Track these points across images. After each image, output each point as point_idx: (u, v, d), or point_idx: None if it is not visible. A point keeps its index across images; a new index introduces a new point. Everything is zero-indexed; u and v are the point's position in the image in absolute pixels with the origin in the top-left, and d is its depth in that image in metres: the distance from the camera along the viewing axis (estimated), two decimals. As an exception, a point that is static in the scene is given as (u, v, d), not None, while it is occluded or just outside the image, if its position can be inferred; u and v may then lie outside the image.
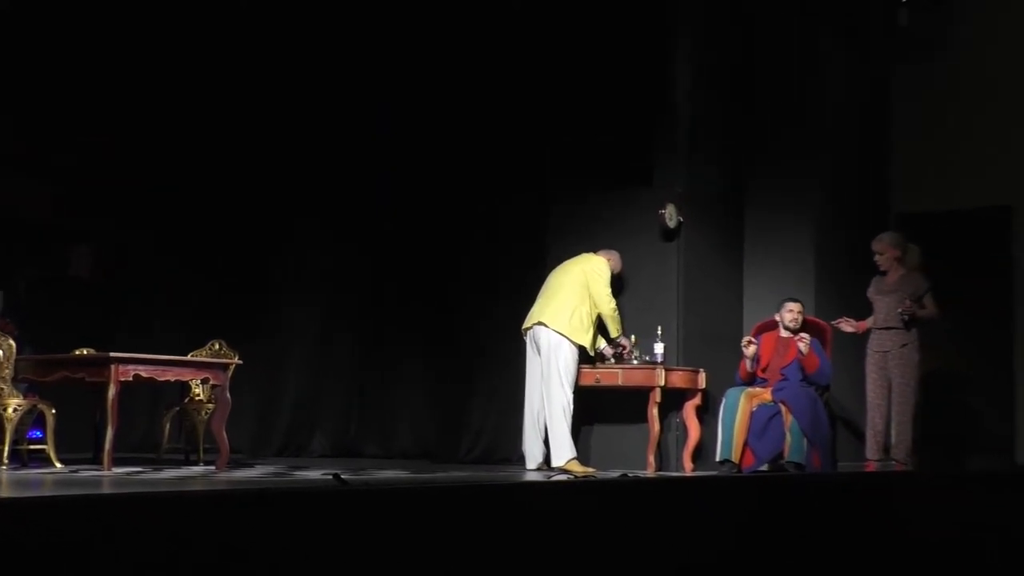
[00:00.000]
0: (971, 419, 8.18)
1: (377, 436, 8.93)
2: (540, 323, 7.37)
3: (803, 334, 7.23)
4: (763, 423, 7.03)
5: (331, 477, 5.18)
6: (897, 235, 7.55)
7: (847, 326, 7.47)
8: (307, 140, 9.19)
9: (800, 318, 7.38)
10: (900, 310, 7.20)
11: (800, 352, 7.19)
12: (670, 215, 7.71)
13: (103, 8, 8.43)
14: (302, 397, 9.05)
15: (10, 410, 6.77)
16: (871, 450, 7.32)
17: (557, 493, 4.63)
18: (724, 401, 7.24)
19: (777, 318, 7.47)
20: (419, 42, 8.77)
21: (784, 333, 7.40)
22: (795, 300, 7.45)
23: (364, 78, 8.98)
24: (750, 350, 7.31)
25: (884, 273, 7.43)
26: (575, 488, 4.90)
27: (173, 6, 8.68)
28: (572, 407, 7.27)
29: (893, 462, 7.22)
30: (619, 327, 7.56)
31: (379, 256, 9.17)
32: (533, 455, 7.41)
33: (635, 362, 7.55)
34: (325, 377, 9.10)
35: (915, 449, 7.28)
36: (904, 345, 7.29)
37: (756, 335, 7.56)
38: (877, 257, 7.43)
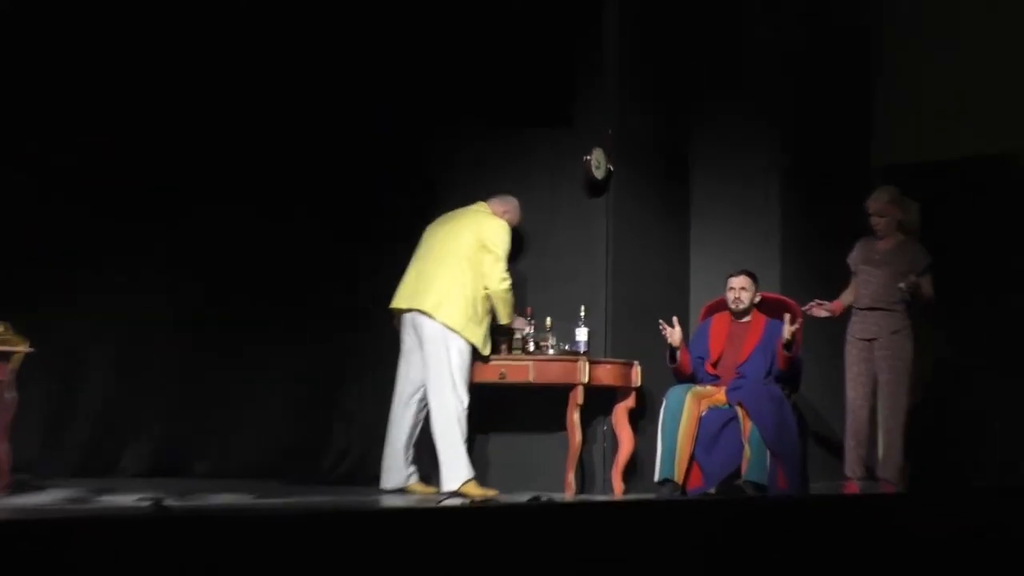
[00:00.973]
0: (975, 426, 8.32)
1: (211, 449, 8.88)
2: (421, 311, 7.33)
3: (789, 315, 7.28)
4: (714, 432, 7.11)
5: (149, 503, 5.07)
6: (897, 190, 7.58)
7: (820, 310, 7.52)
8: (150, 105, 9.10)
9: (749, 296, 7.43)
10: (903, 285, 7.21)
11: (784, 337, 7.19)
12: (597, 162, 7.78)
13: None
14: (110, 399, 8.86)
15: None
16: (851, 467, 7.35)
17: (449, 522, 4.46)
18: (665, 403, 7.27)
19: (727, 296, 7.59)
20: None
21: (733, 316, 7.47)
22: (743, 273, 7.53)
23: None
24: (674, 336, 7.35)
25: (878, 237, 7.49)
26: (472, 516, 4.75)
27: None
28: (467, 416, 7.27)
29: (879, 481, 7.25)
30: (510, 313, 7.55)
31: (207, 227, 9.06)
32: (395, 471, 7.40)
33: (551, 352, 7.54)
34: (141, 374, 8.92)
35: (907, 465, 7.31)
36: (896, 332, 7.31)
37: (706, 317, 7.65)
38: (875, 219, 7.47)
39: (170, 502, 5.05)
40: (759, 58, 8.50)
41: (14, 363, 7.03)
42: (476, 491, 7.03)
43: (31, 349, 7.20)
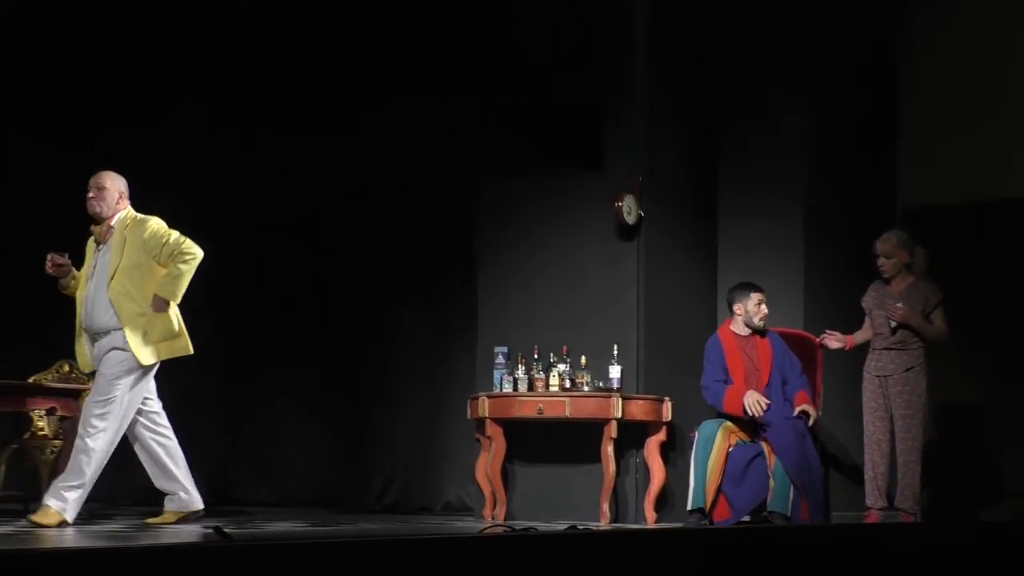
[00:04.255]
0: (990, 459, 8.24)
1: (265, 479, 8.97)
2: None
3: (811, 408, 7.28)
4: (741, 467, 7.11)
5: (211, 530, 5.17)
6: (906, 235, 7.63)
7: (833, 341, 7.57)
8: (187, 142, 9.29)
9: (765, 312, 7.39)
10: (895, 319, 7.31)
11: (810, 415, 7.23)
12: (628, 209, 7.76)
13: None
14: (186, 433, 8.55)
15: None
16: (871, 497, 7.38)
17: (492, 549, 4.52)
18: (697, 436, 7.26)
19: (738, 312, 7.43)
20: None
21: (745, 335, 7.40)
22: (756, 289, 7.43)
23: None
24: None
25: (887, 280, 7.53)
26: (514, 543, 4.70)
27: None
28: None
29: (898, 512, 7.27)
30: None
31: (256, 263, 9.26)
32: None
33: (586, 389, 7.57)
34: (194, 408, 8.94)
35: (924, 496, 7.36)
36: (909, 369, 7.37)
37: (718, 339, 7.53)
38: (882, 261, 7.52)
39: (230, 530, 5.01)
40: (785, 100, 8.33)
41: (81, 401, 7.18)
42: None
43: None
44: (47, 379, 7.61)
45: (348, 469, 8.62)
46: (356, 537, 5.12)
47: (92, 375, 6.94)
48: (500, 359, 7.84)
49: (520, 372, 7.76)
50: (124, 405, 6.70)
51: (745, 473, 7.07)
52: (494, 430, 7.65)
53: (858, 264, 7.92)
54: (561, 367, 7.70)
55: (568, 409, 7.50)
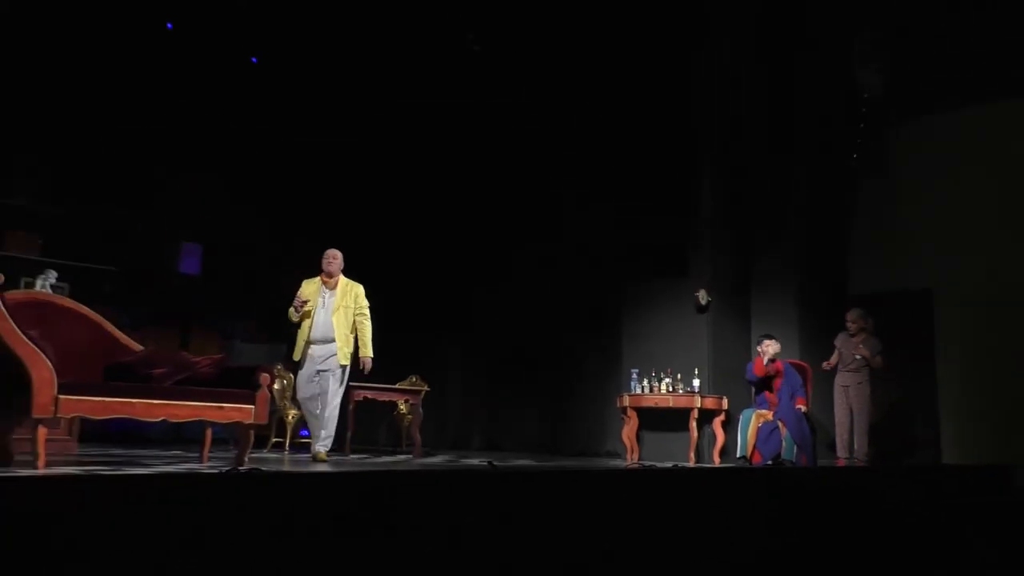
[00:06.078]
0: (907, 430, 7.94)
1: (511, 435, 8.87)
2: None
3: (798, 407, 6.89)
4: (767, 434, 6.90)
5: (486, 464, 5.21)
6: (862, 310, 7.33)
7: (825, 366, 7.25)
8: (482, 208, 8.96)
9: (775, 351, 6.99)
10: (858, 356, 7.07)
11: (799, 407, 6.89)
12: (702, 296, 7.68)
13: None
14: (465, 410, 9.05)
15: (290, 416, 7.25)
16: (841, 451, 7.22)
17: (631, 477, 4.53)
18: (740, 418, 7.07)
19: (760, 351, 7.05)
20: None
21: (767, 364, 7.10)
22: (771, 336, 7.06)
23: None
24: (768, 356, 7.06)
25: (851, 333, 7.27)
26: (646, 473, 4.77)
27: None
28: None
29: (856, 459, 7.10)
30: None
31: (498, 308, 8.95)
32: None
33: (680, 391, 7.53)
34: (477, 398, 9.05)
35: (870, 451, 7.15)
36: (860, 383, 7.19)
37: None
38: (849, 324, 7.24)
39: (496, 463, 5.13)
40: (788, 230, 7.87)
41: (421, 395, 7.38)
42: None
43: (428, 388, 7.60)
44: (405, 385, 7.90)
45: (557, 432, 8.51)
46: (564, 468, 5.13)
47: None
48: (634, 375, 7.80)
49: (645, 382, 7.72)
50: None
51: (768, 437, 6.89)
52: (631, 412, 7.60)
53: (828, 325, 7.58)
54: (667, 379, 7.64)
55: (671, 402, 7.44)
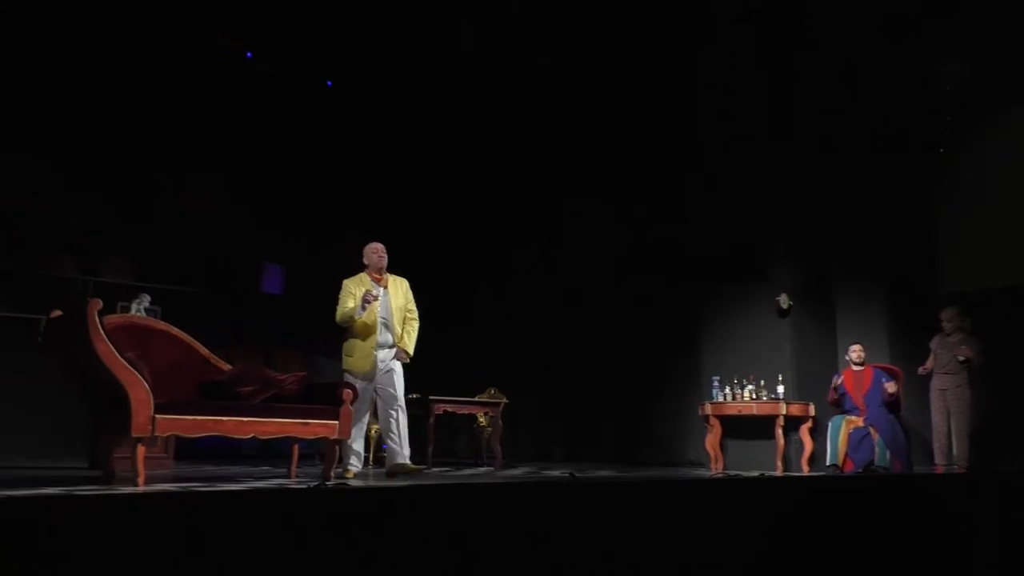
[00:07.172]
0: (1009, 435, 7.52)
1: (591, 446, 8.86)
2: None
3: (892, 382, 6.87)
4: (858, 440, 6.79)
5: (567, 474, 5.19)
6: (957, 308, 7.11)
7: (921, 370, 7.04)
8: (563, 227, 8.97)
9: (863, 355, 6.99)
10: (960, 357, 6.82)
11: (888, 391, 6.89)
12: (783, 301, 7.59)
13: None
14: (545, 423, 9.07)
15: (372, 431, 7.38)
16: (938, 457, 7.01)
17: (716, 487, 4.50)
18: (830, 425, 6.97)
19: (847, 358, 7.07)
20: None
21: (856, 368, 7.03)
22: (857, 342, 7.08)
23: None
24: (836, 381, 7.09)
25: (947, 334, 7.06)
26: (730, 482, 4.68)
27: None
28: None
29: (956, 466, 6.89)
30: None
31: (576, 320, 8.94)
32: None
33: (764, 398, 7.42)
34: (555, 409, 9.05)
35: (971, 456, 6.90)
36: (959, 386, 6.95)
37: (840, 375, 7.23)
38: (945, 323, 7.04)
39: (577, 474, 5.08)
40: (871, 231, 7.70)
41: (500, 407, 7.42)
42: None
43: (507, 401, 7.58)
44: (483, 398, 7.87)
45: (639, 442, 8.43)
46: (647, 478, 5.14)
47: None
48: (715, 383, 7.71)
49: (727, 390, 7.63)
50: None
51: (860, 444, 6.76)
52: (714, 421, 7.54)
53: (918, 328, 7.34)
54: (750, 387, 7.54)
55: (755, 409, 7.36)
